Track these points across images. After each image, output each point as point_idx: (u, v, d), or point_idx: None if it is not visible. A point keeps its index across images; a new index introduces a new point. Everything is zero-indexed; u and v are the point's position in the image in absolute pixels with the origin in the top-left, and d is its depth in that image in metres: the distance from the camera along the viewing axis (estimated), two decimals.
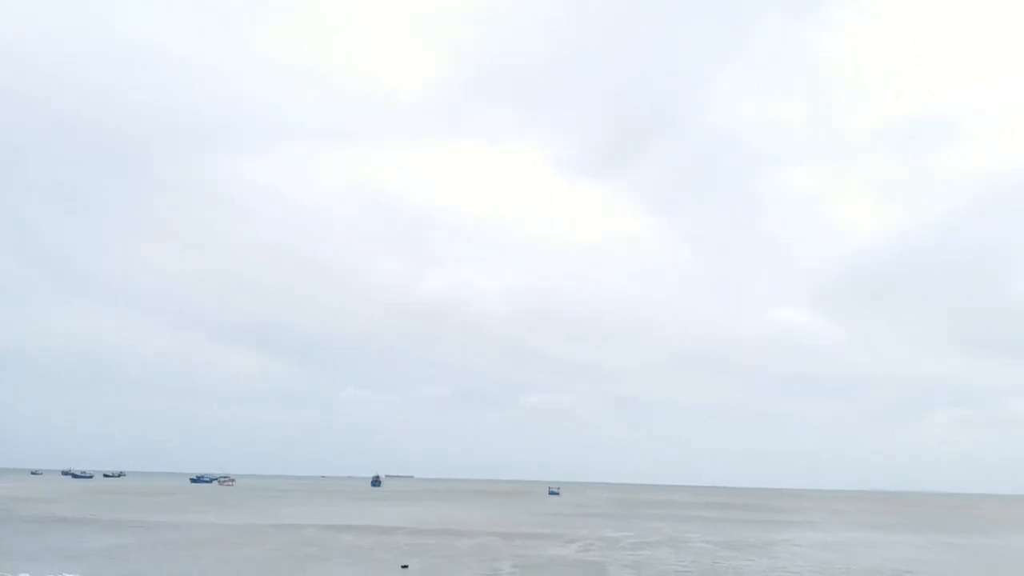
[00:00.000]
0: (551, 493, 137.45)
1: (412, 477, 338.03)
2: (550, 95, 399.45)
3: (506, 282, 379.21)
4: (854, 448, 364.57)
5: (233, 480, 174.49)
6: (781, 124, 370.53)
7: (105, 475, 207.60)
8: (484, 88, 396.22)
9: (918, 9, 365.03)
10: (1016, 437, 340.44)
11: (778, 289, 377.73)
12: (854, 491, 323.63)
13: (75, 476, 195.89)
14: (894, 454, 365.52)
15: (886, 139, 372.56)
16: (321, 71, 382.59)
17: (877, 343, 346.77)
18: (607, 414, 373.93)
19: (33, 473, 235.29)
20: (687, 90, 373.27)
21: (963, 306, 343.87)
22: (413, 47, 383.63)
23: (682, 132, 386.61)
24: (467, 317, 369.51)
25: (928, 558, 37.46)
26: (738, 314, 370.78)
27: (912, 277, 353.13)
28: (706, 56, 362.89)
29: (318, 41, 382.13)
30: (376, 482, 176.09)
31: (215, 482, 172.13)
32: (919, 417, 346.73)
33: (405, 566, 30.38)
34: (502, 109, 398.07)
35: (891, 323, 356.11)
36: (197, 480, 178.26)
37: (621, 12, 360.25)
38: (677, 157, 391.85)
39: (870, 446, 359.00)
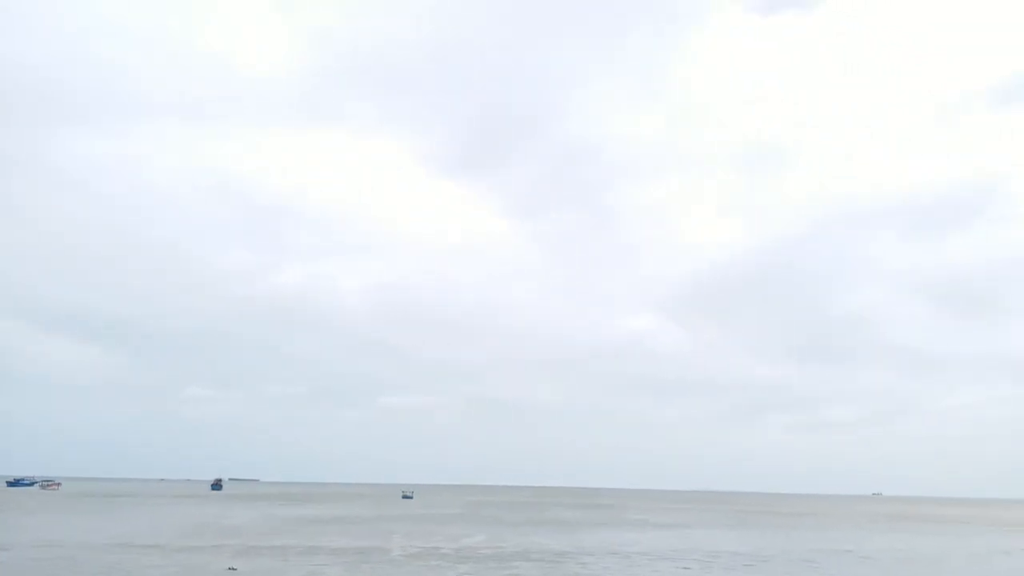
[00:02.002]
0: (404, 496, 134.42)
1: (258, 480, 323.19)
2: (416, 90, 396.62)
3: (365, 278, 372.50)
4: (698, 450, 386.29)
5: (58, 484, 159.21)
6: (639, 138, 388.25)
7: None
8: (349, 77, 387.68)
9: (766, 44, 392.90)
10: (836, 441, 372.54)
11: (630, 296, 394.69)
12: (698, 491, 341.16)
13: None
14: (733, 456, 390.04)
15: (734, 159, 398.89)
16: (174, 44, 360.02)
17: (719, 350, 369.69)
18: (465, 415, 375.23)
19: None
20: (551, 97, 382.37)
21: (795, 319, 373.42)
22: (276, 28, 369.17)
23: (545, 138, 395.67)
24: (323, 313, 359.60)
25: (750, 552, 38.43)
26: (592, 318, 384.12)
27: (752, 290, 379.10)
28: (572, 66, 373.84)
29: (171, 11, 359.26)
30: (216, 485, 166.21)
31: (36, 485, 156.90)
32: (754, 421, 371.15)
33: (232, 569, 28.45)
34: (367, 100, 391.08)
35: (732, 332, 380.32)
36: (14, 484, 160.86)
37: (490, 13, 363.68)
38: (539, 162, 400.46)
39: (712, 448, 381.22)
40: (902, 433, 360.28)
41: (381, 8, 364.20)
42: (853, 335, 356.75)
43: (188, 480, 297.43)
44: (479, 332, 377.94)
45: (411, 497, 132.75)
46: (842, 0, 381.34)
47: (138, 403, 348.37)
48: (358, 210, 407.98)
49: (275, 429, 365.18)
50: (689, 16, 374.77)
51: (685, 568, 32.33)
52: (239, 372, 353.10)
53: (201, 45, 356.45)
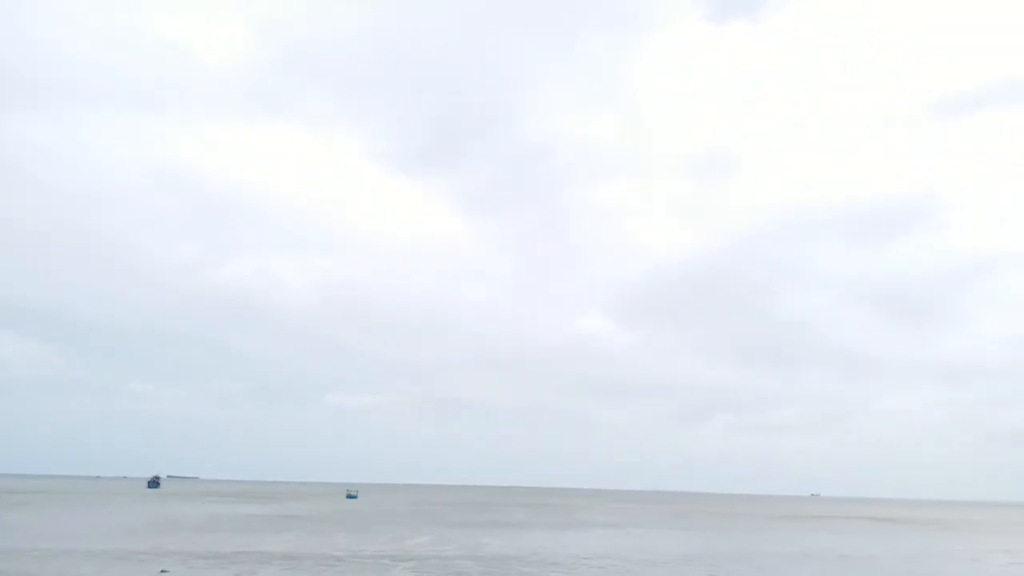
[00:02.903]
0: (349, 496, 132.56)
1: (197, 478, 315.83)
2: (373, 86, 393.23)
3: (315, 274, 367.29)
4: (646, 450, 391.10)
5: None
6: (592, 140, 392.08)
7: None
8: (303, 71, 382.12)
9: (718, 52, 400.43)
10: (778, 443, 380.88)
11: (581, 297, 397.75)
12: (645, 491, 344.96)
13: None
14: (680, 456, 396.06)
15: (685, 164, 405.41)
16: (124, 29, 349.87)
17: (668, 352, 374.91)
18: (414, 415, 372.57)
19: None
20: (507, 98, 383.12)
21: (742, 322, 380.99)
22: (230, 18, 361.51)
23: (501, 138, 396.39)
24: (271, 309, 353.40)
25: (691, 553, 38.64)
26: (544, 319, 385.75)
27: (700, 293, 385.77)
28: (529, 67, 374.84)
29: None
30: (154, 483, 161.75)
31: None
32: (701, 423, 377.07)
33: (164, 572, 27.44)
34: (321, 95, 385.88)
35: (680, 334, 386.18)
36: None
37: (448, 14, 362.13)
38: (495, 162, 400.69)
39: (660, 448, 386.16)
40: (841, 435, 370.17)
41: (339, 4, 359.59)
42: (797, 339, 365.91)
43: (125, 478, 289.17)
44: (431, 331, 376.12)
45: (355, 497, 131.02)
46: (792, 12, 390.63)
47: (75, 398, 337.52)
48: (309, 205, 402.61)
49: (218, 426, 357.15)
50: (644, 21, 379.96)
51: (632, 565, 32.21)
52: (181, 368, 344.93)
53: (152, 31, 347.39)
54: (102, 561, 30.58)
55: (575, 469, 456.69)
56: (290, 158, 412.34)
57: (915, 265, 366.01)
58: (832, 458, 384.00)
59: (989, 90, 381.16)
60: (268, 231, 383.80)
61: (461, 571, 30.08)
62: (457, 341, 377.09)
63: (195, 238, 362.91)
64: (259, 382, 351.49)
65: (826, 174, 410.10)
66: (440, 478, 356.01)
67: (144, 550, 34.72)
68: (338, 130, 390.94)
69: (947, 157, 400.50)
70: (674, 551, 41.42)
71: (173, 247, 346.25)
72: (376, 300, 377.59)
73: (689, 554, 39.78)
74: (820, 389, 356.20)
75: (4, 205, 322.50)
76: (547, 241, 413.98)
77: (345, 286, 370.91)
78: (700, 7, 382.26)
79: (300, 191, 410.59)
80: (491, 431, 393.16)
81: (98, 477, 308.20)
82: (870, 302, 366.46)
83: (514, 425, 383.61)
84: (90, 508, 76.90)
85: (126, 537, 41.78)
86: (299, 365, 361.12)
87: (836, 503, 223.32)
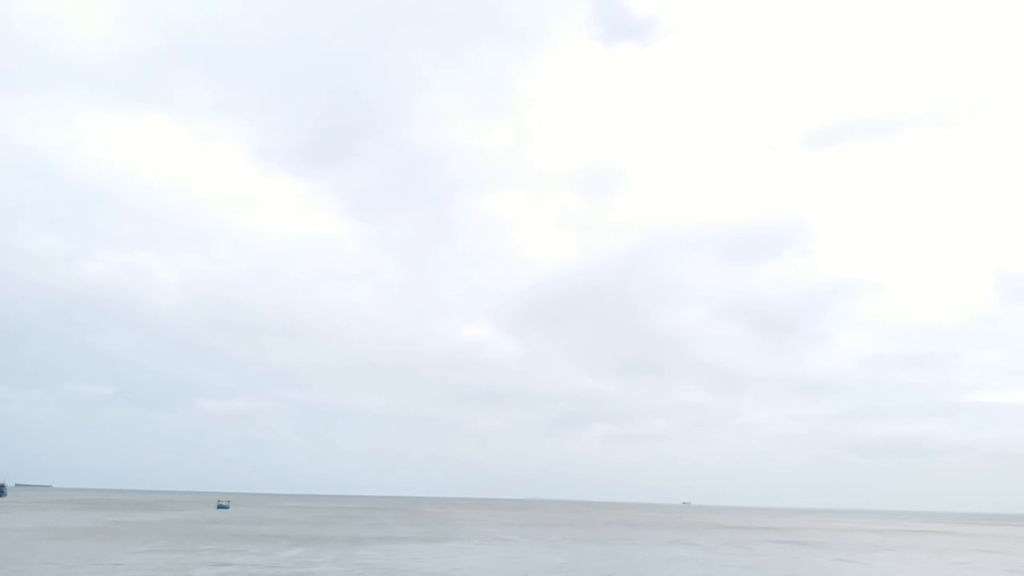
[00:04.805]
0: (220, 507, 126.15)
1: (50, 487, 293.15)
2: (254, 80, 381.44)
3: (187, 273, 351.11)
4: (525, 458, 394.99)
5: None
6: (483, 150, 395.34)
7: None
8: (183, 59, 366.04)
9: (607, 72, 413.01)
10: (651, 452, 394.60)
11: (466, 305, 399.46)
12: (523, 499, 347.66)
13: None
14: (558, 465, 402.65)
15: (572, 179, 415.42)
16: None
17: (549, 362, 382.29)
18: (289, 421, 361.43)
19: None
20: (398, 101, 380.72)
21: (620, 334, 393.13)
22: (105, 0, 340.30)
23: (391, 141, 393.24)
24: (138, 308, 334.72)
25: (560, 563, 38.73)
26: (428, 326, 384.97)
27: (582, 305, 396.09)
28: (421, 70, 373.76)
29: None
30: None
31: None
32: (579, 431, 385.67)
33: None
34: (201, 86, 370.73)
35: (562, 345, 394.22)
36: None
37: (339, 12, 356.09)
38: (382, 163, 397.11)
39: (539, 457, 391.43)
40: (709, 446, 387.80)
41: None
42: (670, 352, 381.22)
43: None
44: (309, 335, 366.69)
45: (227, 507, 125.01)
46: (678, 38, 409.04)
47: None
48: (182, 200, 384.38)
49: (76, 431, 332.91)
50: (536, 37, 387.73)
51: None
52: (37, 368, 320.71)
53: (20, 9, 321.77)
54: None
55: (454, 478, 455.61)
56: (163, 150, 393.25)
57: (782, 286, 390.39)
58: (701, 467, 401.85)
59: (851, 126, 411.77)
60: (137, 225, 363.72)
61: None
62: (336, 346, 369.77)
63: (58, 230, 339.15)
64: (123, 385, 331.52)
65: (704, 195, 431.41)
66: (316, 488, 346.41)
67: None
68: (215, 123, 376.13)
69: (815, 186, 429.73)
70: (551, 561, 41.32)
71: (34, 238, 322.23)
72: (252, 301, 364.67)
73: (564, 565, 39.77)
74: (690, 401, 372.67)
75: None
76: (434, 247, 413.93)
77: (219, 286, 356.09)
78: (590, 27, 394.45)
79: (173, 185, 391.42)
80: (370, 439, 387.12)
81: None
82: (739, 319, 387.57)
83: (394, 433, 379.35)
84: None
85: None
86: (167, 368, 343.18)
87: (705, 512, 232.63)
